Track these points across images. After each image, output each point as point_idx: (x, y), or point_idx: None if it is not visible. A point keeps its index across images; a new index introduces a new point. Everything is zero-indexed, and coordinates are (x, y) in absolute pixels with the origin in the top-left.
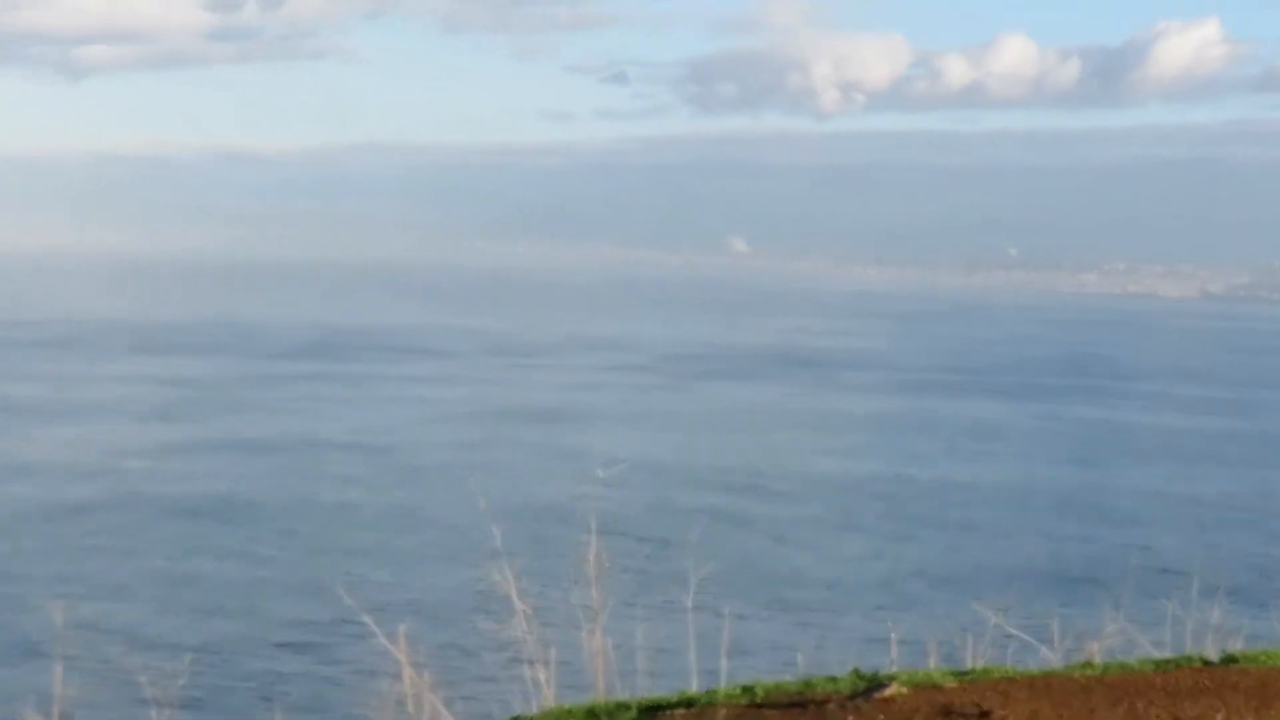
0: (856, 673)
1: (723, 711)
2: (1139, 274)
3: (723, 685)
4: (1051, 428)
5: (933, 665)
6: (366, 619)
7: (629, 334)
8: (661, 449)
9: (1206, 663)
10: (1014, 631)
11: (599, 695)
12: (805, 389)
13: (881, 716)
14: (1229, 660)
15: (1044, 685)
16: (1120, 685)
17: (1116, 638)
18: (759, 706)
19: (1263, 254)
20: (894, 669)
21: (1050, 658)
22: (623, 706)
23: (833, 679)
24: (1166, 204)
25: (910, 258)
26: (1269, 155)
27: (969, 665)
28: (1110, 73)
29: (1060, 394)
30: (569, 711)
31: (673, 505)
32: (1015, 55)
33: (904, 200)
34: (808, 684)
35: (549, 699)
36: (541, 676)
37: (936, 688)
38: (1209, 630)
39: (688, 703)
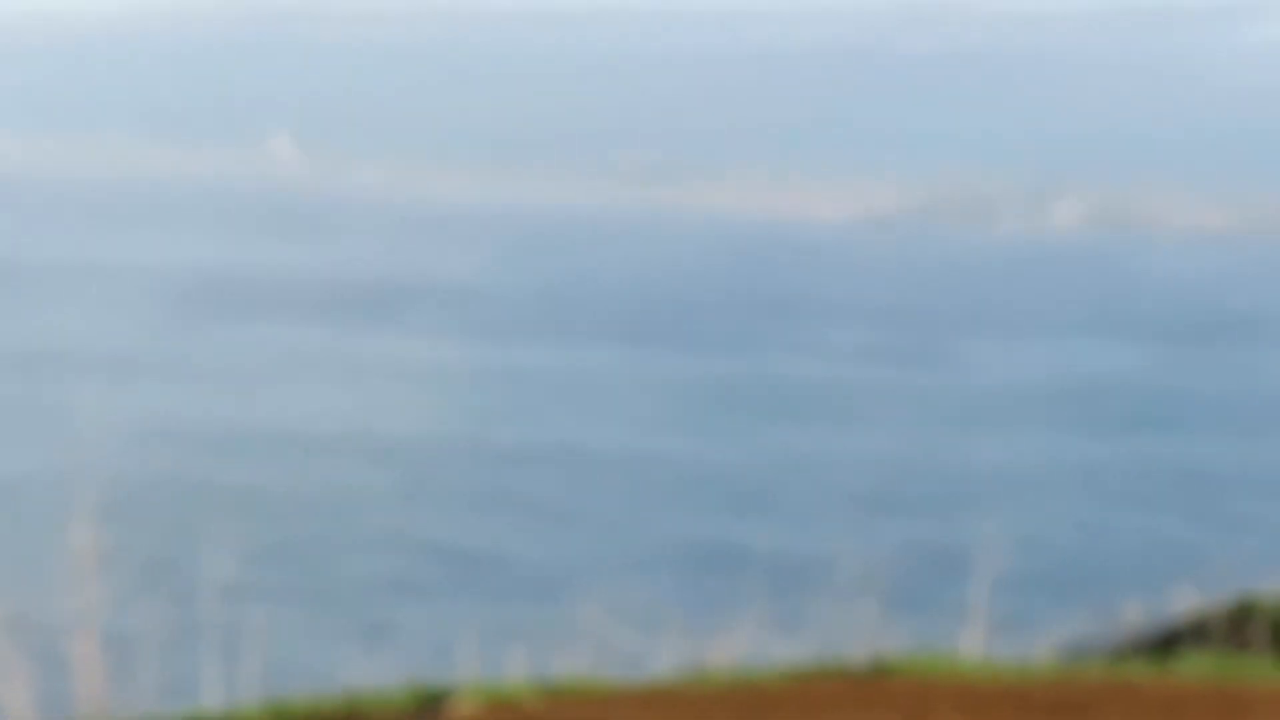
0: (417, 686)
1: None
2: (791, 189)
3: (248, 704)
4: (677, 382)
5: (515, 675)
6: None
7: (138, 256)
8: (177, 406)
9: (853, 671)
10: (618, 634)
11: (90, 718)
12: (365, 331)
13: None
14: (880, 668)
15: (653, 699)
16: (746, 699)
17: (745, 643)
18: None
19: (938, 166)
20: (465, 681)
21: (663, 666)
22: None
23: (387, 694)
24: (823, 103)
25: (507, 166)
26: (946, 46)
27: (560, 676)
28: None
29: (691, 339)
30: None
31: (191, 478)
32: None
33: (497, 93)
34: (355, 702)
35: None
36: (14, 695)
37: (518, 705)
38: (858, 633)
39: None
